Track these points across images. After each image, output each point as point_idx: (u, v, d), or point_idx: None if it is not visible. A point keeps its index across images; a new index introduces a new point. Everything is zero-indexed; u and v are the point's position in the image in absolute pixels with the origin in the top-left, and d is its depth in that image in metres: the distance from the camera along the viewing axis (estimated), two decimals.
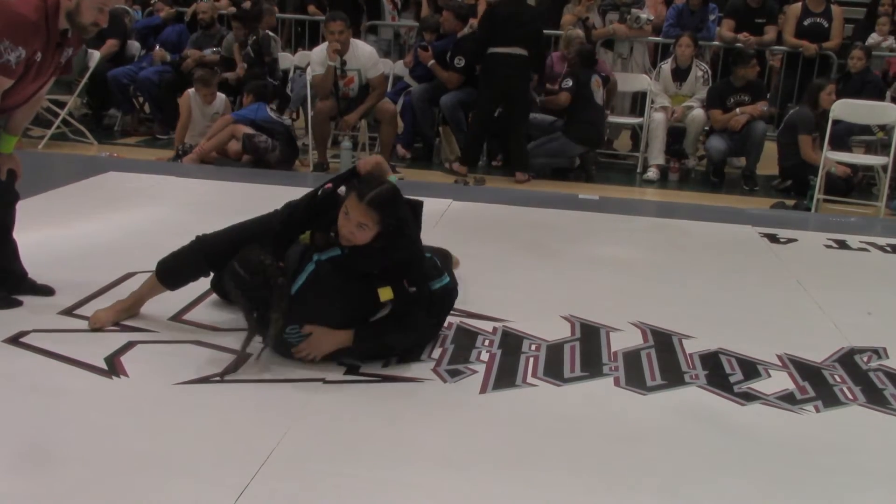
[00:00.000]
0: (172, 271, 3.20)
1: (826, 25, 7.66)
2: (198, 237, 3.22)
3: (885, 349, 3.39)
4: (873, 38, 8.08)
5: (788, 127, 6.91)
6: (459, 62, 7.39)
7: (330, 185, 3.06)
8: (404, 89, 7.68)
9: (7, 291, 3.31)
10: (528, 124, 7.08)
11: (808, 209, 6.45)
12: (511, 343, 3.23)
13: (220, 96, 7.12)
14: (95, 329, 3.12)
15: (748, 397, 2.92)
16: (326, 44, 6.58)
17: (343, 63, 6.57)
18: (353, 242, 2.83)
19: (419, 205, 3.28)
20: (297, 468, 2.32)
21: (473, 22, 7.69)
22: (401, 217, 2.90)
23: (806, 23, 7.54)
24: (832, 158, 6.59)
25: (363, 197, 2.78)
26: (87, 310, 3.26)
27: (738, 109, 7.03)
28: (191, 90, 7.01)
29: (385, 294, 2.87)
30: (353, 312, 2.91)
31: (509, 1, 6.91)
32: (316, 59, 6.69)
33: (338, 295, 2.86)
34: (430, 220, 4.18)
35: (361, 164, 3.15)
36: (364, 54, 6.68)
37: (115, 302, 3.25)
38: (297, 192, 5.50)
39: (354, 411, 2.64)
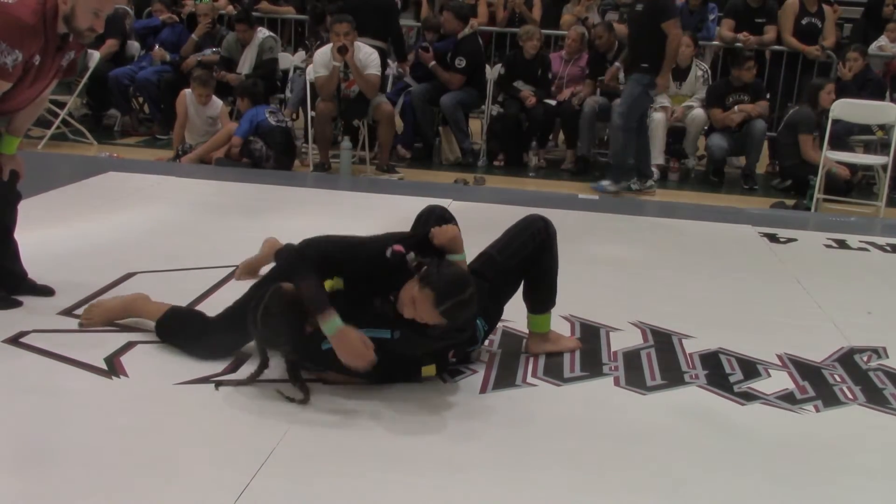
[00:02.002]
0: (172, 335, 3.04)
1: (820, 25, 7.67)
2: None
3: (884, 349, 3.39)
4: (883, 41, 8.06)
5: (789, 126, 6.91)
6: (460, 63, 7.40)
7: (400, 247, 2.77)
8: (404, 89, 7.67)
9: (7, 292, 3.31)
10: None
11: (808, 209, 6.45)
12: (511, 343, 3.23)
13: (217, 101, 7.01)
14: (83, 326, 3.11)
15: (748, 397, 2.92)
16: (330, 45, 6.58)
17: (346, 66, 6.57)
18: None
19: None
20: (297, 468, 2.32)
21: (474, 22, 7.69)
22: (469, 317, 2.70)
23: (803, 21, 7.56)
24: (832, 158, 6.59)
25: (439, 304, 2.55)
26: None
27: (736, 108, 7.06)
28: (186, 90, 6.96)
29: (428, 371, 2.75)
30: (386, 376, 2.77)
31: None
32: (319, 61, 6.69)
33: (375, 368, 2.66)
34: None
35: (437, 233, 2.85)
36: (364, 55, 6.67)
37: (110, 300, 3.25)
38: (296, 193, 5.61)
39: (354, 411, 2.64)
